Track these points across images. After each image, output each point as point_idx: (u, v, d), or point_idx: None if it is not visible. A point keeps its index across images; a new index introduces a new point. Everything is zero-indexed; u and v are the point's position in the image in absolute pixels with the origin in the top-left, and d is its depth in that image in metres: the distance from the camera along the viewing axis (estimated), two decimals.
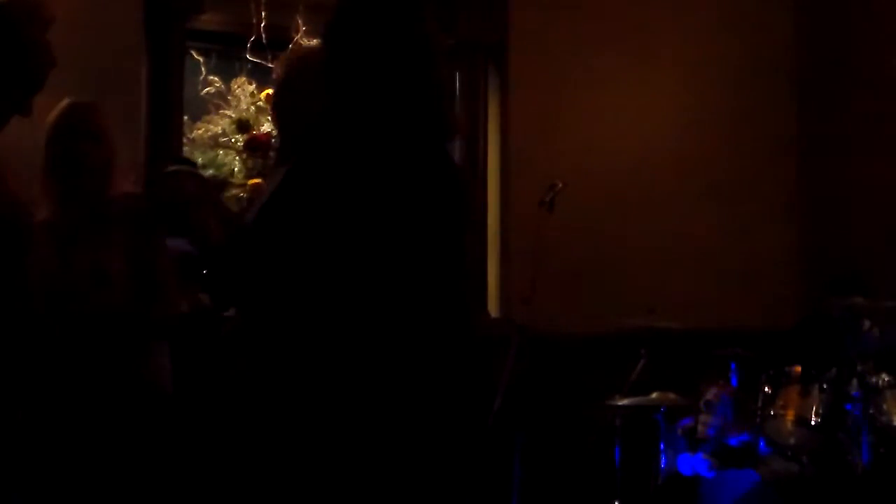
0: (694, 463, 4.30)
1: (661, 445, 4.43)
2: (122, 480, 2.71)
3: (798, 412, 4.25)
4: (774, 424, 4.30)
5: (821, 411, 4.21)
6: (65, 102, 2.95)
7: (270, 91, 4.29)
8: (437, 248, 2.08)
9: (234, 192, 4.84)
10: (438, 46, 2.16)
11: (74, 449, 2.70)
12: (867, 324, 4.76)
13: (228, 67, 5.16)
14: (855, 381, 4.25)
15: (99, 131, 2.91)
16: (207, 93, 5.08)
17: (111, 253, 2.80)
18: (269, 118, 4.73)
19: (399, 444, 2.03)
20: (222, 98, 5.07)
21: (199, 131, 5.03)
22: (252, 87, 5.07)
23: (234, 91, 5.08)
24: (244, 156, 4.93)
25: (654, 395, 4.45)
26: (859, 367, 4.27)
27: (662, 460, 4.42)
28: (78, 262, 2.77)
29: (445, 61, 2.18)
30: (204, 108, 5.07)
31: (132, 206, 2.88)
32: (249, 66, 5.05)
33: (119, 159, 2.95)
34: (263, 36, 4.88)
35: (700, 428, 4.41)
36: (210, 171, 4.83)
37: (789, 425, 4.28)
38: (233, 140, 5.00)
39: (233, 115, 5.03)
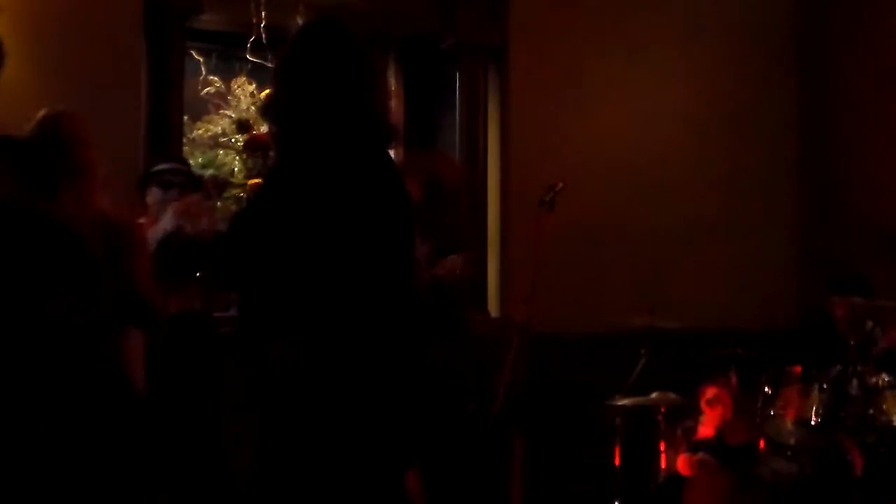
0: (694, 463, 4.30)
1: (661, 445, 4.43)
2: (94, 475, 2.70)
3: (798, 412, 4.25)
4: (774, 424, 4.31)
5: (821, 411, 4.21)
6: (45, 112, 2.94)
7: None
8: (385, 246, 2.23)
9: (235, 192, 4.84)
10: (375, 68, 2.39)
11: (48, 447, 2.69)
12: (870, 324, 4.77)
13: (228, 67, 5.16)
14: (855, 381, 4.25)
15: (86, 137, 2.91)
16: (207, 93, 5.08)
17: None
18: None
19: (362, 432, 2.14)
20: (222, 98, 5.07)
21: (199, 131, 5.03)
22: (252, 87, 5.07)
23: (234, 91, 5.09)
24: (244, 156, 4.93)
25: (654, 395, 4.45)
26: (859, 367, 4.28)
27: (662, 460, 4.42)
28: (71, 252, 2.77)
29: (383, 79, 2.48)
30: (204, 108, 5.07)
31: (116, 214, 2.88)
32: (249, 66, 5.05)
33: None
34: (263, 36, 4.88)
35: (700, 428, 4.41)
36: (210, 171, 4.83)
37: (789, 425, 4.28)
38: (233, 140, 5.00)
39: (233, 115, 5.03)
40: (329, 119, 2.24)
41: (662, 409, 4.45)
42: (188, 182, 3.93)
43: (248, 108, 5.03)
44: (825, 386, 4.25)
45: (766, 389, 4.37)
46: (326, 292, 2.13)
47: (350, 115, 2.25)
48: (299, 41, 2.36)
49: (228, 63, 5.17)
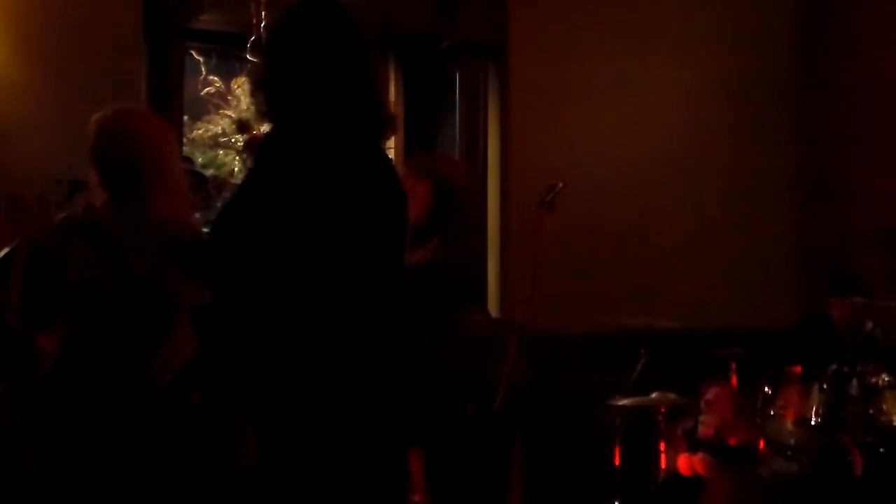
0: (694, 463, 4.30)
1: (661, 445, 4.43)
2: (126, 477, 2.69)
3: (798, 412, 4.25)
4: (774, 424, 4.31)
5: (821, 411, 4.21)
6: (111, 108, 2.91)
7: None
8: (376, 246, 2.18)
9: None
10: (371, 51, 2.27)
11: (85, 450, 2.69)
12: (870, 324, 4.77)
13: (228, 67, 5.17)
14: (855, 381, 4.25)
15: (137, 135, 2.86)
16: (207, 93, 5.08)
17: (144, 258, 2.76)
18: None
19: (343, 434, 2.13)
20: (222, 98, 5.08)
21: (199, 131, 5.04)
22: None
23: (234, 91, 5.09)
24: (244, 156, 4.94)
25: (654, 395, 4.45)
26: (859, 367, 4.28)
27: (662, 460, 4.42)
28: (114, 263, 2.74)
29: (378, 63, 2.31)
30: (204, 108, 5.08)
31: (172, 221, 2.83)
32: (249, 66, 5.05)
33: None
34: (263, 36, 4.87)
35: (700, 428, 4.41)
36: (210, 171, 4.84)
37: (789, 425, 4.28)
38: (233, 140, 5.01)
39: (233, 115, 5.04)
40: (326, 107, 2.17)
41: (662, 409, 4.45)
42: (199, 183, 3.95)
43: (248, 108, 5.04)
44: (825, 386, 4.25)
45: (766, 389, 4.36)
46: (316, 289, 2.10)
47: (349, 103, 2.18)
48: (291, 19, 2.25)
49: (228, 63, 5.17)
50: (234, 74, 5.12)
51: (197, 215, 4.16)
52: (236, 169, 4.97)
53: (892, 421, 4.14)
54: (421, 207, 3.65)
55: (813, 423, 4.21)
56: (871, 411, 4.15)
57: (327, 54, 2.19)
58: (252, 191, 2.15)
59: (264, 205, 2.11)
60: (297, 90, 2.18)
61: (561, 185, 4.15)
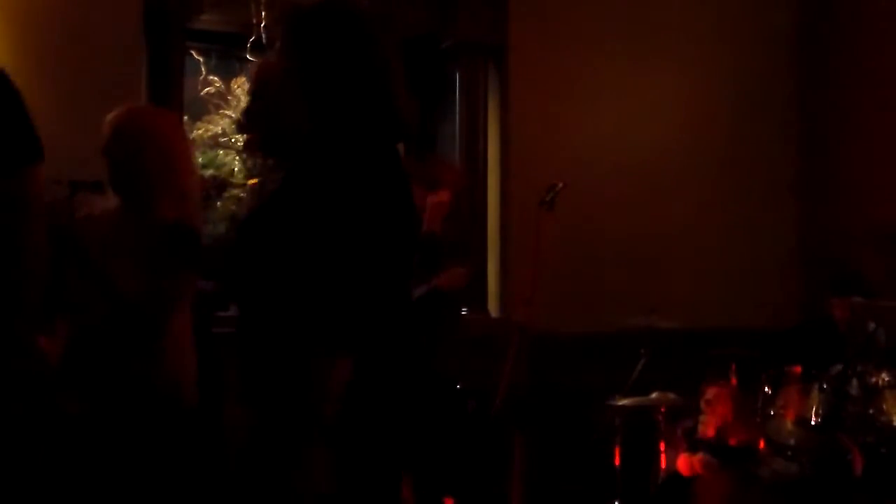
0: (694, 463, 4.30)
1: (661, 445, 4.43)
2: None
3: (798, 412, 4.25)
4: (774, 424, 4.31)
5: (821, 411, 4.21)
6: (125, 108, 2.88)
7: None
8: (389, 255, 2.15)
9: (234, 192, 4.84)
10: (394, 58, 2.24)
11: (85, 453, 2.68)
12: (871, 325, 4.77)
13: (228, 67, 5.16)
14: (855, 381, 4.25)
15: (147, 136, 2.82)
16: (207, 93, 5.08)
17: (134, 265, 2.74)
18: None
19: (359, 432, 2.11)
20: (222, 98, 5.07)
21: (199, 131, 5.03)
22: None
23: (234, 91, 5.09)
24: (244, 156, 4.94)
25: (654, 395, 4.45)
26: (859, 367, 4.28)
27: (662, 460, 4.42)
28: (107, 267, 2.72)
29: (400, 68, 2.26)
30: (204, 108, 5.07)
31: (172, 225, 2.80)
32: (249, 66, 5.05)
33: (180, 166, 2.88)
34: (263, 36, 4.88)
35: (700, 428, 4.41)
36: (210, 171, 4.83)
37: (789, 425, 4.28)
38: (233, 140, 5.00)
39: (233, 115, 5.04)
40: (357, 115, 2.13)
41: (662, 409, 4.46)
42: None
43: None
44: (825, 386, 4.25)
45: (766, 389, 4.37)
46: (328, 297, 2.07)
47: (376, 112, 2.15)
48: (310, 24, 2.17)
49: (228, 63, 5.17)
50: (234, 74, 5.11)
51: None
52: (236, 169, 4.96)
53: (892, 421, 4.14)
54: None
55: (813, 423, 4.21)
56: (871, 411, 4.16)
57: (354, 60, 2.15)
58: (286, 198, 2.10)
59: (296, 211, 2.06)
60: (325, 98, 2.15)
61: (561, 185, 4.16)
